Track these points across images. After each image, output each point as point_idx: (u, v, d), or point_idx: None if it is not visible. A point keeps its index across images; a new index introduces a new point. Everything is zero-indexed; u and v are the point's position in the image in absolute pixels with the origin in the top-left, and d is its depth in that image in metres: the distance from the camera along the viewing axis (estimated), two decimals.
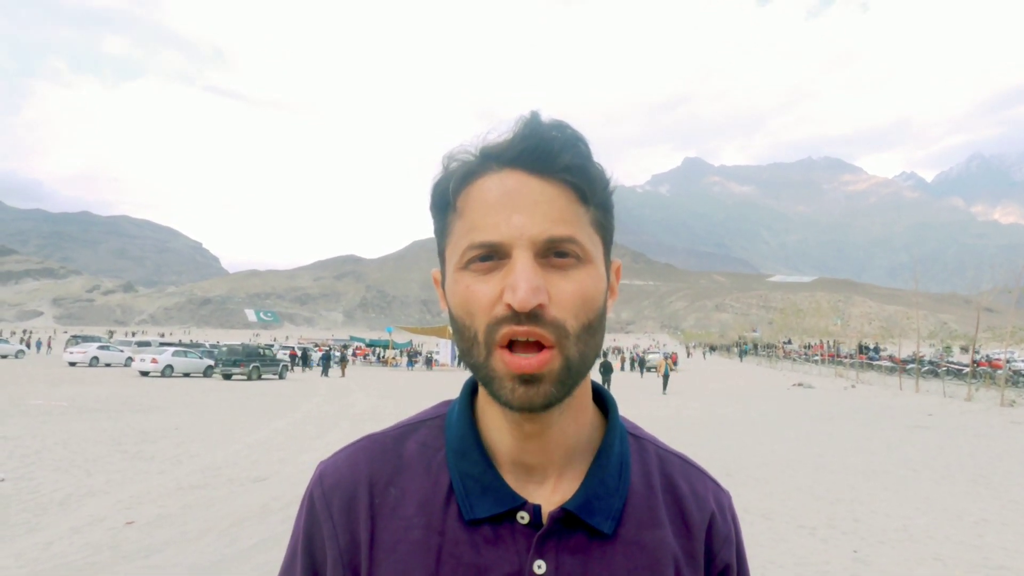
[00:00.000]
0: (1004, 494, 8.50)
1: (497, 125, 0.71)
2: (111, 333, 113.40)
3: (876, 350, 47.92)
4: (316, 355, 48.06)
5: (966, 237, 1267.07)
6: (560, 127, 0.68)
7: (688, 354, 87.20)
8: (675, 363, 45.88)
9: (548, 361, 0.64)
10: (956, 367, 33.17)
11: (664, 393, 25.76)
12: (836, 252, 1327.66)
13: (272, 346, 49.55)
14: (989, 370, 29.27)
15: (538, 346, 0.65)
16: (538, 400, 0.65)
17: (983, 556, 5.93)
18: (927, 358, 35.98)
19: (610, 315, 0.74)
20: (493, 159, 0.68)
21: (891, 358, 42.16)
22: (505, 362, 0.65)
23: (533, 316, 0.63)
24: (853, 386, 30.83)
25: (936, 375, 33.19)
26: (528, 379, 0.65)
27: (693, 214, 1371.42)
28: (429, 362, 48.06)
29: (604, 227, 0.71)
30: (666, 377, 27.30)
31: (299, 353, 45.53)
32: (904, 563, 5.69)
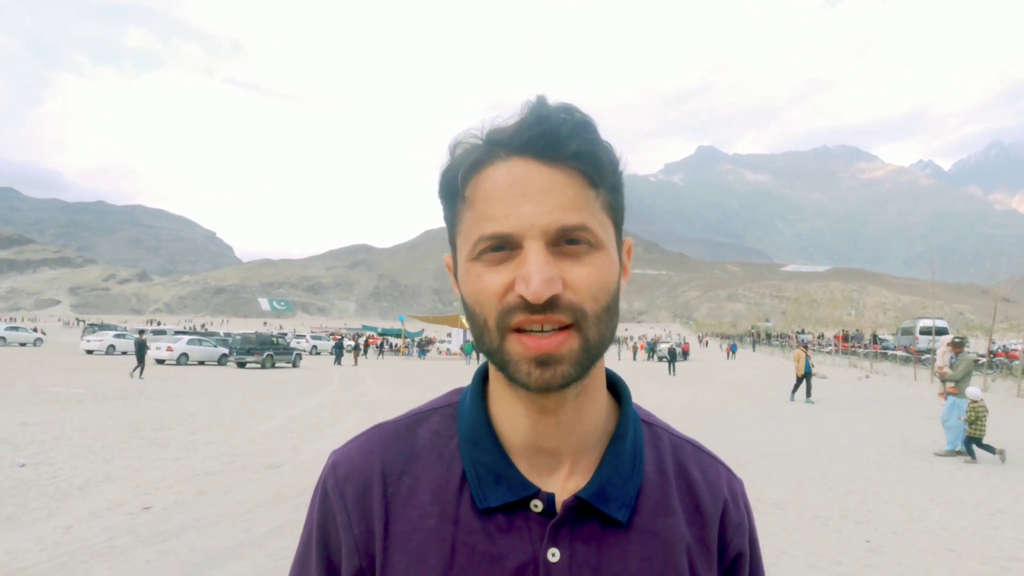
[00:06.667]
0: (1020, 486, 8.43)
1: (504, 110, 0.69)
2: (152, 322, 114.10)
3: (938, 334, 45.82)
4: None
5: (984, 226, 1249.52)
6: (568, 111, 0.66)
7: (705, 344, 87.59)
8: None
9: (566, 341, 0.64)
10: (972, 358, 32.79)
11: (810, 400, 18.35)
12: (851, 241, 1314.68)
13: (285, 335, 49.98)
14: (1006, 361, 28.92)
15: (556, 328, 0.64)
16: (556, 381, 0.65)
17: (998, 548, 5.88)
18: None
19: (622, 303, 0.73)
20: (501, 146, 0.67)
21: (905, 348, 41.75)
22: (523, 343, 0.64)
23: (549, 304, 0.63)
24: (867, 376, 30.60)
25: (951, 366, 32.83)
26: (545, 360, 0.64)
27: (706, 203, 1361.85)
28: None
29: (615, 208, 0.71)
30: (807, 377, 18.61)
31: (356, 341, 41.37)
32: (918, 554, 5.66)
